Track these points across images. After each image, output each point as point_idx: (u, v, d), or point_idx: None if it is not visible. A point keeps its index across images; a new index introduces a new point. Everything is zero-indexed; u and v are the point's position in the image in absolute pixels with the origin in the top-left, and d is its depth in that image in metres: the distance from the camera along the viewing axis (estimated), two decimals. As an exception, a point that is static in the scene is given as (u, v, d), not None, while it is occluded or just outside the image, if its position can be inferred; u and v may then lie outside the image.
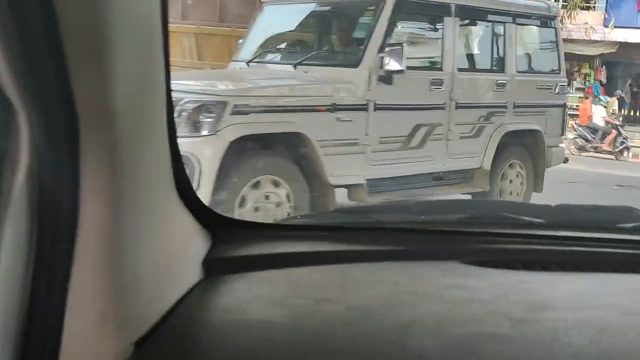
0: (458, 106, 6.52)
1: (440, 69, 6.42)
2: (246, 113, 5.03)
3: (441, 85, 6.36)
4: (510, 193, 7.01)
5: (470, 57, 7.04)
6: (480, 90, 6.85)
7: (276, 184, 5.22)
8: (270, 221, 1.41)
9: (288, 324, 0.94)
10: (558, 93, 7.52)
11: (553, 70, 7.56)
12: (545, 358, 0.86)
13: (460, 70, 6.52)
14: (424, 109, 6.24)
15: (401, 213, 1.39)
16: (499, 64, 7.05)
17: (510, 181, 7.07)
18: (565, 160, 8.01)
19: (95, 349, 0.80)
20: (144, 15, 0.75)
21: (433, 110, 6.33)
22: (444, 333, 0.92)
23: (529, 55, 7.61)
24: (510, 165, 7.09)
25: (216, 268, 1.08)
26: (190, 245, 1.07)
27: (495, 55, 7.10)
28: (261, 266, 1.11)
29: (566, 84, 7.84)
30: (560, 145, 7.75)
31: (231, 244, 1.16)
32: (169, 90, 0.87)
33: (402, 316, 0.96)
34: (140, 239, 0.85)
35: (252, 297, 1.03)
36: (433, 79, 6.33)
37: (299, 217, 1.37)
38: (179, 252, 1.00)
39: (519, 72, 7.07)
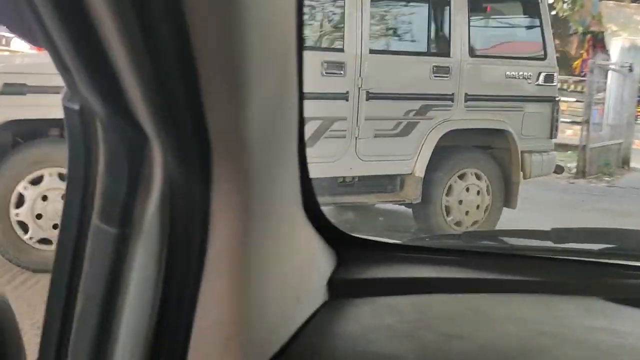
0: (370, 96, 5.30)
1: (342, 50, 5.19)
2: None
3: (342, 70, 5.16)
4: (461, 210, 5.75)
5: (392, 35, 5.79)
6: (407, 77, 5.55)
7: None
8: (396, 241, 1.24)
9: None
10: (542, 84, 6.05)
11: (534, 56, 6.09)
12: None
13: (374, 52, 5.30)
14: (314, 98, 4.83)
15: (536, 239, 1.26)
16: (441, 45, 5.74)
17: (462, 194, 5.80)
18: (559, 170, 7.03)
19: None
20: (280, 44, 0.75)
21: (330, 100, 5.12)
22: None
23: (495, 35, 6.29)
24: (461, 176, 5.83)
25: (341, 289, 1.08)
26: (316, 265, 1.07)
27: (434, 34, 5.79)
28: (387, 290, 1.10)
29: (555, 72, 6.21)
30: (550, 151, 6.37)
31: (356, 264, 1.15)
32: (301, 114, 0.88)
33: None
34: (268, 263, 0.85)
35: (378, 326, 1.01)
36: (327, 62, 5.11)
37: (426, 238, 1.22)
38: (305, 272, 1.01)
39: (475, 55, 5.73)
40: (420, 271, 1.16)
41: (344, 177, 5.53)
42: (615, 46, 13.16)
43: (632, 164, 11.05)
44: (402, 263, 1.18)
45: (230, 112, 0.71)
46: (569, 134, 12.41)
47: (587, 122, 10.43)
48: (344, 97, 5.21)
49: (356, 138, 5.33)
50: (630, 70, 11.64)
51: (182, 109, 0.68)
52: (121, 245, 0.71)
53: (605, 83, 11.52)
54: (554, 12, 13.90)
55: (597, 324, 1.02)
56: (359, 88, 5.23)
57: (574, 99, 13.20)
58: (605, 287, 1.12)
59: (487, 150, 6.04)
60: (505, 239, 1.29)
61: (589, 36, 16.27)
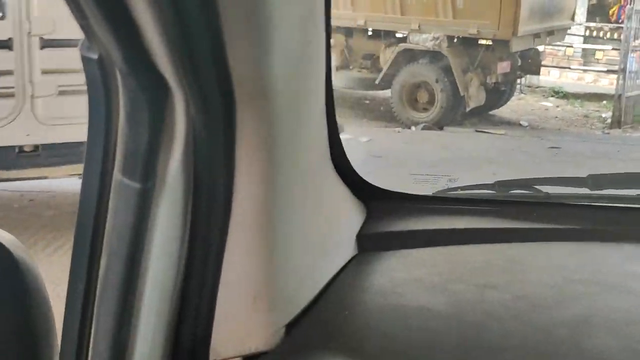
0: (46, 44, 4.25)
1: None
2: None
3: None
4: None
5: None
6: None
7: None
8: (426, 193, 1.21)
9: (449, 313, 0.89)
10: None
11: None
12: None
13: None
14: None
15: (572, 186, 1.22)
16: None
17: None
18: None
19: (245, 330, 0.81)
20: None
21: None
22: (632, 332, 0.83)
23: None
24: None
25: (371, 243, 1.06)
26: (344, 219, 1.05)
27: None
28: (418, 243, 1.08)
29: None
30: None
31: (386, 217, 1.13)
32: (328, 62, 0.87)
33: (578, 310, 0.88)
34: (295, 215, 0.84)
35: (409, 279, 0.99)
36: None
37: (458, 189, 1.19)
38: (333, 226, 0.99)
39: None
40: (452, 222, 1.14)
41: (21, 146, 4.44)
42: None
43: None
44: (432, 215, 1.16)
45: (253, 57, 0.69)
46: (604, 83, 12.14)
47: (623, 70, 10.17)
48: (6, 45, 4.18)
49: (32, 97, 4.27)
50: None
51: (203, 55, 0.66)
52: (145, 200, 0.70)
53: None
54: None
55: (636, 269, 0.99)
56: (29, 34, 4.21)
57: (610, 47, 12.84)
58: None
59: None
60: (539, 187, 1.26)
61: (626, -20, 15.78)
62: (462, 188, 1.26)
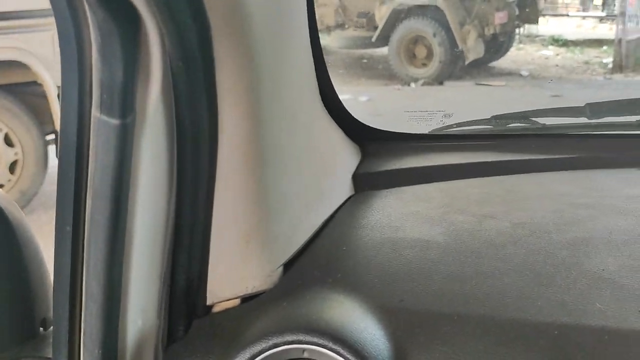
0: None
1: None
2: None
3: None
4: None
5: None
6: None
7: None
8: (422, 132, 1.20)
9: (447, 243, 0.88)
10: None
11: None
12: None
13: None
14: None
15: (570, 116, 1.21)
16: None
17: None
18: None
19: (242, 272, 0.80)
20: None
21: None
22: (630, 251, 0.82)
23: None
24: None
25: (367, 182, 1.05)
26: (339, 159, 1.04)
27: None
28: (415, 180, 1.07)
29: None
30: None
31: (382, 157, 1.12)
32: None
33: (578, 233, 0.87)
34: (285, 154, 0.82)
35: (406, 213, 0.98)
36: None
37: (454, 125, 1.17)
38: (327, 167, 0.98)
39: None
40: (448, 159, 1.12)
41: None
42: None
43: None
44: (429, 152, 1.15)
45: None
46: (604, 29, 12.01)
47: (622, 14, 10.04)
48: None
49: None
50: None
51: None
52: (125, 136, 0.68)
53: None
54: None
55: (634, 191, 0.98)
56: None
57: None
58: None
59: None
60: (536, 119, 1.24)
61: None
62: (459, 124, 1.24)
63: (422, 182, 1.06)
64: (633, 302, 0.74)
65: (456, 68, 8.93)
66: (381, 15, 9.34)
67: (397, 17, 9.20)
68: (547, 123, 1.22)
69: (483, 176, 1.07)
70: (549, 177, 1.06)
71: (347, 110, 1.06)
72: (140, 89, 0.68)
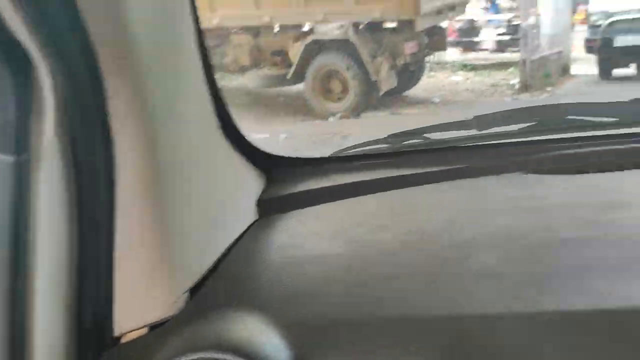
0: None
1: None
2: None
3: None
4: None
5: None
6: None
7: None
8: (323, 155, 1.25)
9: (345, 255, 0.94)
10: None
11: None
12: (616, 259, 0.86)
13: None
14: None
15: (460, 129, 1.28)
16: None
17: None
18: None
19: (148, 301, 0.82)
20: None
21: None
22: (509, 245, 0.91)
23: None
24: None
25: (271, 207, 1.09)
26: (242, 186, 1.09)
27: None
28: (318, 200, 1.12)
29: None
30: None
31: (286, 181, 1.17)
32: (197, 22, 0.88)
33: (463, 234, 0.95)
34: (184, 184, 0.85)
35: (308, 232, 1.03)
36: None
37: (354, 146, 1.23)
38: (230, 194, 1.02)
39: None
40: (350, 177, 1.17)
41: None
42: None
43: (572, 71, 11.23)
44: (331, 174, 1.20)
45: (113, 21, 0.70)
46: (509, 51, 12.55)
47: (524, 36, 10.55)
48: None
49: None
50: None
51: (62, 22, 0.66)
52: (22, 174, 0.69)
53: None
54: None
55: (517, 193, 1.06)
56: None
57: (512, 15, 13.29)
58: (525, 162, 1.16)
59: None
60: (429, 134, 1.32)
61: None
62: (358, 145, 1.30)
63: (324, 202, 1.11)
64: (510, 288, 0.80)
65: (371, 99, 9.14)
66: (295, 52, 9.50)
67: (310, 53, 9.38)
68: (440, 137, 1.29)
69: (381, 191, 1.12)
70: (440, 187, 1.12)
71: (247, 139, 1.09)
72: (34, 126, 0.69)
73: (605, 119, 1.29)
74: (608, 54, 10.17)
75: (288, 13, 9.52)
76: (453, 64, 12.22)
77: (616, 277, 0.82)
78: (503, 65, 11.87)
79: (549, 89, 10.02)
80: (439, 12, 9.64)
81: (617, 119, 1.29)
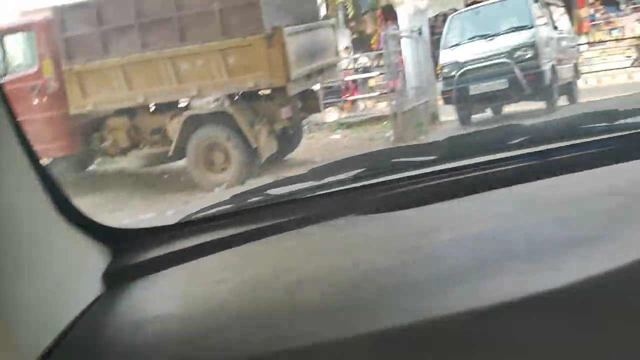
0: None
1: None
2: None
3: None
4: None
5: None
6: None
7: None
8: (169, 222, 1.31)
9: (183, 312, 0.99)
10: None
11: None
12: (425, 274, 0.98)
13: None
14: None
15: (300, 181, 1.39)
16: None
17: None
18: None
19: None
20: None
21: None
22: (333, 281, 1.00)
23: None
24: None
25: (118, 279, 1.13)
26: (85, 262, 1.11)
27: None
28: (164, 266, 1.16)
29: None
30: None
31: (133, 252, 1.21)
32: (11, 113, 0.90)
33: (292, 277, 1.04)
34: (18, 265, 0.87)
35: (150, 296, 1.08)
36: None
37: (199, 210, 1.31)
38: (72, 271, 1.05)
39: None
40: (195, 240, 1.24)
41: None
42: (402, 14, 14.01)
43: (441, 118, 11.85)
44: (178, 239, 1.25)
45: None
46: (382, 107, 13.12)
47: (392, 91, 11.10)
48: None
49: None
50: (420, 33, 12.41)
51: None
52: None
53: (401, 51, 12.21)
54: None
55: (344, 234, 1.17)
56: None
57: (378, 73, 13.91)
58: (355, 206, 1.27)
59: None
60: (270, 191, 1.41)
61: (378, 11, 17.25)
62: (204, 209, 1.37)
63: (170, 267, 1.16)
64: (332, 317, 0.89)
65: (255, 167, 9.26)
66: (173, 129, 9.51)
67: (189, 128, 9.41)
68: (280, 192, 1.39)
69: (224, 249, 1.19)
70: (276, 239, 1.21)
71: (88, 216, 1.13)
72: None
73: (425, 158, 1.44)
74: (465, 102, 10.70)
75: (161, 91, 9.56)
76: (330, 124, 12.61)
77: (424, 293, 0.93)
78: (377, 120, 12.37)
79: (422, 137, 10.51)
80: (309, 76, 9.97)
81: (435, 157, 1.44)
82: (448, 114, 11.70)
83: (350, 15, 18.86)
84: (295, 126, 10.14)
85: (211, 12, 9.34)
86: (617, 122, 1.49)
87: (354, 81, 15.09)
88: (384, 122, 11.75)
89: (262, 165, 9.33)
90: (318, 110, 10.96)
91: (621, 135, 1.38)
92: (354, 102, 14.45)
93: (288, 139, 10.00)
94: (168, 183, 9.97)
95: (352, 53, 15.97)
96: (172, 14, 9.46)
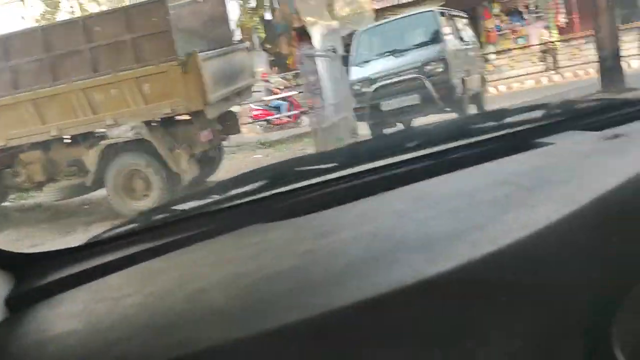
0: None
1: None
2: None
3: None
4: None
5: None
6: None
7: None
8: (74, 245, 1.31)
9: (86, 329, 0.99)
10: None
11: None
12: (324, 272, 1.01)
13: None
14: None
15: (201, 198, 1.41)
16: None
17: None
18: None
19: None
20: None
21: None
22: (237, 286, 1.03)
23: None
24: None
25: (21, 303, 1.12)
26: None
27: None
28: (68, 287, 1.16)
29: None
30: None
31: (37, 275, 1.20)
32: None
33: (197, 285, 1.06)
34: None
35: (54, 317, 1.07)
36: None
37: (107, 231, 1.31)
38: None
39: None
40: (100, 260, 1.24)
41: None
42: (316, 34, 14.23)
43: (360, 132, 12.06)
44: (84, 260, 1.25)
45: None
46: (305, 123, 13.25)
47: (311, 108, 11.22)
48: None
49: None
50: (334, 51, 12.63)
51: None
52: None
53: (317, 70, 12.37)
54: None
55: (246, 242, 1.19)
56: None
57: (297, 92, 14.07)
58: (260, 215, 1.29)
59: None
60: (177, 206, 1.42)
61: (293, 32, 17.47)
62: (111, 229, 1.37)
63: (74, 287, 1.16)
64: (234, 319, 0.92)
65: (176, 191, 9.17)
66: (91, 159, 9.34)
67: (107, 157, 9.27)
68: (184, 208, 1.41)
69: (129, 266, 1.20)
70: (180, 252, 1.22)
71: None
72: None
73: (326, 166, 1.48)
74: (378, 119, 10.60)
75: (76, 123, 9.38)
76: (251, 144, 12.65)
77: (323, 290, 0.96)
78: (299, 137, 12.48)
79: (340, 152, 10.64)
80: (227, 99, 9.99)
81: (336, 164, 1.48)
82: (367, 128, 11.95)
83: (263, 38, 19.02)
84: (216, 148, 10.13)
85: (123, 42, 9.29)
86: (503, 121, 1.58)
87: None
88: (305, 139, 11.87)
89: (184, 189, 9.25)
90: (238, 131, 10.98)
91: (506, 133, 1.47)
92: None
93: (209, 161, 9.97)
94: (89, 214, 9.75)
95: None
96: (83, 46, 9.36)
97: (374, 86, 10.58)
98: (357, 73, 11.22)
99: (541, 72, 17.20)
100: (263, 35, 18.70)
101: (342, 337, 0.88)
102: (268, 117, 15.31)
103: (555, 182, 1.13)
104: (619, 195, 1.04)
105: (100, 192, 9.60)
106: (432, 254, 0.98)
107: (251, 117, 15.29)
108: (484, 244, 0.96)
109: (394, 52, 11.02)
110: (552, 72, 16.87)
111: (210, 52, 9.56)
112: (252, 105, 15.09)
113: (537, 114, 1.64)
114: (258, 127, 15.14)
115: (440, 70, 10.50)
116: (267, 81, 17.14)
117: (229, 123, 10.35)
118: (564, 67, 16.80)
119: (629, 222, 1.00)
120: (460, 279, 0.91)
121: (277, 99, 15.97)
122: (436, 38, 10.90)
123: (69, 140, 9.78)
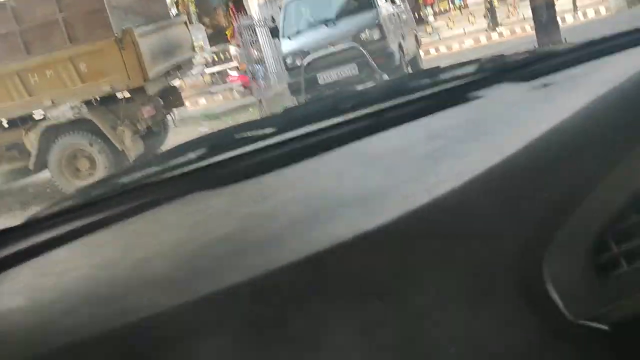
0: None
1: None
2: None
3: None
4: None
5: None
6: None
7: None
8: (14, 224, 1.28)
9: (30, 304, 0.97)
10: None
11: None
12: (263, 234, 1.01)
13: None
14: None
15: (141, 170, 1.39)
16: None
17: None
18: None
19: None
20: None
21: None
22: (177, 258, 1.02)
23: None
24: None
25: None
26: None
27: None
28: (8, 266, 1.12)
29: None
30: None
31: None
32: None
33: (140, 254, 1.05)
34: None
35: None
36: None
37: (46, 208, 1.29)
38: None
39: None
40: (40, 237, 1.21)
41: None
42: (253, 5, 14.09)
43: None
44: (21, 239, 1.22)
45: None
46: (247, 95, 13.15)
47: (253, 78, 11.14)
48: None
49: None
50: (273, 21, 12.49)
51: None
52: None
53: (258, 40, 12.26)
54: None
55: (195, 208, 1.18)
56: None
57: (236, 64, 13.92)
58: (199, 185, 1.28)
59: None
60: (116, 180, 1.40)
61: (230, 4, 17.24)
62: (50, 206, 1.34)
63: (16, 265, 1.14)
64: (178, 284, 0.92)
65: (122, 169, 9.02)
66: (31, 142, 9.10)
67: (48, 139, 9.05)
68: (125, 181, 1.39)
69: (72, 240, 1.18)
70: (123, 223, 1.21)
71: None
72: None
73: (265, 131, 1.48)
74: (315, 92, 9.43)
75: (12, 106, 9.11)
76: (195, 117, 12.49)
77: (263, 251, 0.97)
78: (243, 108, 12.38)
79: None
80: (167, 74, 9.82)
81: (275, 129, 1.48)
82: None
83: (198, 12, 18.71)
84: (160, 123, 9.97)
85: (55, 21, 8.99)
86: (436, 78, 1.60)
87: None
88: (250, 109, 11.79)
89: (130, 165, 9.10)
90: (182, 105, 10.84)
91: (440, 90, 1.49)
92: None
93: (154, 136, 9.82)
94: (34, 197, 9.54)
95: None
96: (13, 27, 9.04)
97: (308, 59, 9.73)
98: (288, 45, 10.64)
99: (479, 31, 17.40)
100: (193, 9, 18.38)
101: (283, 295, 0.89)
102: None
103: (487, 133, 1.16)
104: (547, 142, 1.08)
105: (44, 175, 9.40)
106: (369, 208, 1.00)
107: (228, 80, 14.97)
108: (418, 195, 0.98)
109: (326, 21, 10.53)
110: (492, 30, 17.08)
111: (147, 27, 9.36)
112: (229, 72, 14.85)
113: (470, 69, 1.67)
114: (235, 92, 14.89)
115: (377, 37, 10.16)
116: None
117: (171, 97, 10.20)
118: (502, 25, 17.03)
119: (556, 166, 1.04)
120: (396, 230, 0.93)
121: (230, 68, 15.77)
122: (369, 3, 10.52)
123: (7, 125, 9.50)
